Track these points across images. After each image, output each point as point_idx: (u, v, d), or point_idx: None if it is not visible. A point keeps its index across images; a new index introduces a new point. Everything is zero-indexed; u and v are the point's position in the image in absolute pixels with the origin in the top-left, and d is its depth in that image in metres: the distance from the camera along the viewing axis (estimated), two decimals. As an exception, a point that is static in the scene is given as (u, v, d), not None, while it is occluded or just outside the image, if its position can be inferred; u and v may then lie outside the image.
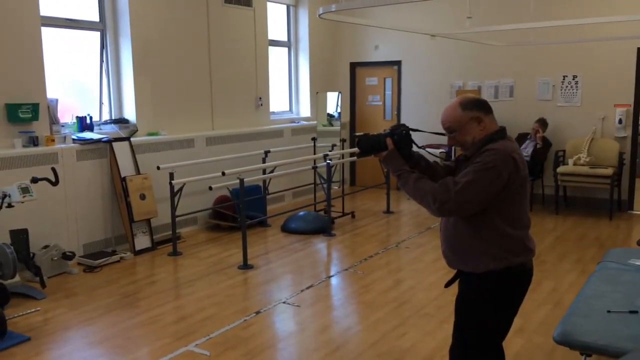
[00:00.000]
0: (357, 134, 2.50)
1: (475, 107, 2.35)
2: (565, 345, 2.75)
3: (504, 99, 8.16)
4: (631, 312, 2.91)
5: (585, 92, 7.65)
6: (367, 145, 2.46)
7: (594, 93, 7.59)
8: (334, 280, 5.12)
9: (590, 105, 7.62)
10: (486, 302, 2.38)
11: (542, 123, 7.58)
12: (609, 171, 7.12)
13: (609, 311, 2.93)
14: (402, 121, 9.01)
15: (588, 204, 7.71)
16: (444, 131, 2.44)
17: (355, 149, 2.55)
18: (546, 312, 4.26)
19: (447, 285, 2.58)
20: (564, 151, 7.67)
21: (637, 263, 3.69)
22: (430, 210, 2.31)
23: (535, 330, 3.94)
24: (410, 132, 2.43)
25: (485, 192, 2.24)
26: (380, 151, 2.43)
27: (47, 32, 5.58)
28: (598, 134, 7.57)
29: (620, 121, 7.43)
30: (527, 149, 7.57)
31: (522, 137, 7.76)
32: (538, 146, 7.48)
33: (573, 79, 7.71)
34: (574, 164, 7.38)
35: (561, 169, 7.42)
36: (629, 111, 7.42)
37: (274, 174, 6.79)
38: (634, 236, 6.33)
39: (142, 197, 5.88)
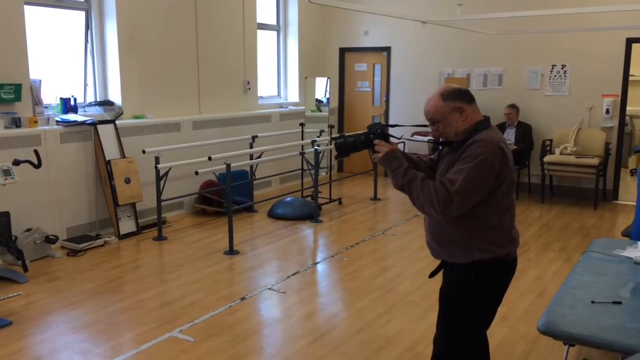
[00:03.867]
0: (334, 136, 2.55)
1: (456, 97, 2.31)
2: (549, 335, 2.76)
3: (493, 87, 8.16)
4: (615, 302, 2.93)
5: (574, 82, 7.67)
6: (344, 147, 2.46)
7: (582, 83, 7.61)
8: (320, 267, 5.12)
9: (578, 95, 7.64)
10: (470, 293, 2.37)
11: (514, 107, 7.66)
12: (595, 161, 7.17)
13: (592, 302, 2.95)
14: (391, 108, 9.01)
15: (574, 193, 7.77)
16: (426, 122, 2.41)
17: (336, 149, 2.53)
18: (530, 301, 4.28)
19: (431, 275, 2.57)
20: (551, 140, 7.70)
21: (621, 254, 3.71)
22: (432, 213, 2.25)
23: (519, 319, 3.96)
24: (389, 128, 2.42)
25: (484, 186, 2.22)
26: (356, 151, 2.44)
27: (30, 11, 5.45)
28: (585, 123, 7.61)
29: (607, 111, 7.47)
30: (509, 137, 7.62)
31: (501, 127, 7.75)
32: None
33: (562, 69, 7.72)
34: (561, 154, 7.42)
35: (548, 158, 7.45)
36: (616, 101, 7.46)
37: (261, 159, 6.75)
38: (618, 226, 6.39)
39: (127, 180, 5.82)
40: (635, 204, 4.56)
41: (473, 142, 2.24)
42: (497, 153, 2.22)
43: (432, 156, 2.59)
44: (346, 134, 2.51)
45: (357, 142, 2.42)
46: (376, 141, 2.37)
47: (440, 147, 2.48)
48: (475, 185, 2.20)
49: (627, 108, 7.56)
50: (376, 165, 7.72)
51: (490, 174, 2.21)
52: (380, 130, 2.41)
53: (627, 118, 8.44)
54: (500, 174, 2.23)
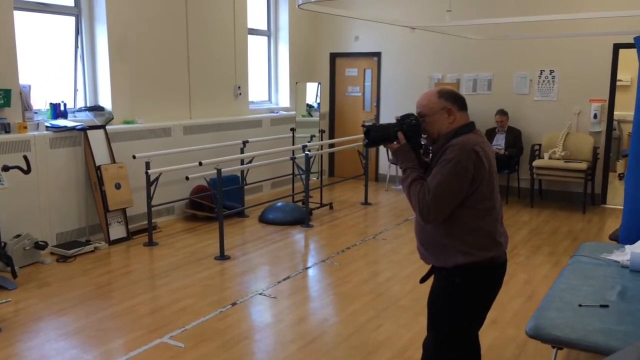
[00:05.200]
0: (366, 123, 2.46)
1: (450, 98, 2.36)
2: (537, 338, 2.79)
3: (482, 92, 8.21)
4: (602, 306, 2.97)
5: (562, 87, 7.74)
6: (376, 136, 2.40)
7: (570, 88, 7.68)
8: (311, 272, 5.12)
9: (566, 100, 7.71)
10: (456, 296, 2.39)
11: (504, 113, 7.72)
12: (583, 165, 7.23)
13: (580, 305, 2.98)
14: (381, 113, 9.04)
15: (562, 197, 7.83)
16: None
17: (363, 138, 2.47)
18: (519, 304, 4.32)
19: (422, 281, 2.59)
20: (540, 145, 7.76)
21: (609, 257, 3.75)
22: (419, 219, 2.35)
23: (508, 322, 3.99)
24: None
25: (458, 190, 2.25)
26: (389, 142, 2.39)
27: (19, 16, 5.44)
28: (573, 128, 7.68)
29: (595, 116, 7.54)
30: (499, 142, 7.68)
31: (491, 132, 7.81)
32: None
33: (550, 74, 7.79)
34: (549, 158, 7.48)
35: (537, 162, 7.51)
36: (604, 106, 7.53)
37: (252, 164, 6.75)
38: (606, 230, 6.44)
39: (118, 186, 5.80)
40: (622, 207, 4.61)
41: (448, 146, 2.28)
42: (470, 156, 2.24)
43: (426, 159, 2.61)
44: (377, 123, 2.47)
45: (390, 133, 2.37)
46: (400, 134, 2.36)
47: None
48: (449, 190, 2.24)
49: (615, 113, 7.64)
50: (367, 169, 7.74)
51: (463, 178, 2.24)
52: (415, 121, 2.37)
53: (615, 123, 8.51)
54: (475, 176, 2.25)
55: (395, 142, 2.38)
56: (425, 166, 2.49)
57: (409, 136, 2.37)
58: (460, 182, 2.24)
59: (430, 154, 2.53)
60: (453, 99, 2.36)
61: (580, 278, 3.42)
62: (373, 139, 2.41)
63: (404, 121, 2.37)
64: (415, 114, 2.40)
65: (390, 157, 2.44)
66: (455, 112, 2.34)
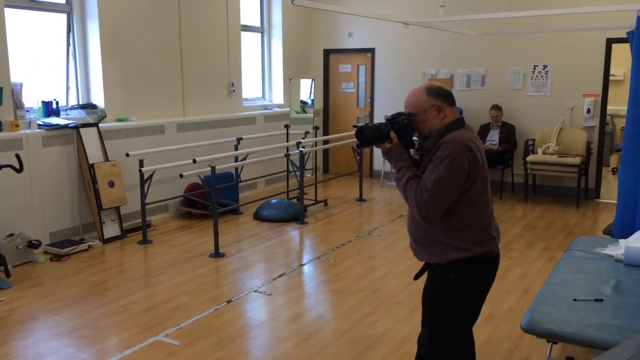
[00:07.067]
0: (357, 124, 2.48)
1: (439, 95, 2.35)
2: (532, 333, 2.79)
3: (476, 88, 8.22)
4: (596, 300, 2.97)
5: (555, 82, 7.76)
6: (369, 136, 2.38)
7: (563, 83, 7.70)
8: (306, 269, 5.12)
9: (560, 95, 7.73)
10: (451, 292, 2.39)
11: (499, 108, 7.73)
12: (577, 160, 7.25)
13: (575, 299, 2.98)
14: (375, 109, 9.03)
15: (556, 192, 7.85)
16: None
17: (355, 138, 2.46)
18: (514, 299, 4.33)
19: (416, 277, 2.59)
20: (534, 140, 7.78)
21: (603, 252, 3.76)
22: (418, 217, 2.32)
23: (503, 317, 4.00)
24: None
25: (455, 186, 2.25)
26: (382, 142, 2.37)
27: (10, 14, 5.39)
28: (567, 123, 7.70)
29: (588, 111, 7.56)
30: (493, 138, 7.70)
31: (485, 128, 7.82)
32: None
33: (543, 69, 7.80)
34: (543, 153, 7.50)
35: (530, 157, 7.53)
36: (597, 101, 7.55)
37: (247, 161, 6.73)
38: (600, 224, 6.46)
39: (111, 184, 5.78)
40: (616, 202, 4.63)
41: (441, 143, 2.27)
42: (464, 152, 2.24)
43: (416, 156, 2.61)
44: (369, 123, 2.43)
45: (383, 133, 2.35)
46: (392, 133, 2.35)
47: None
48: (446, 187, 2.23)
49: (608, 107, 7.66)
50: (361, 166, 7.74)
51: (460, 174, 2.24)
52: (406, 120, 2.35)
53: (608, 117, 8.55)
54: (471, 172, 2.25)
55: (387, 142, 2.38)
56: (416, 164, 2.49)
57: (401, 135, 2.36)
58: (457, 178, 2.23)
59: (421, 152, 2.53)
60: (442, 96, 2.35)
61: (575, 272, 3.42)
62: (366, 140, 2.40)
63: (396, 120, 2.36)
64: (407, 114, 2.38)
65: (385, 152, 2.43)
66: (445, 109, 2.34)
